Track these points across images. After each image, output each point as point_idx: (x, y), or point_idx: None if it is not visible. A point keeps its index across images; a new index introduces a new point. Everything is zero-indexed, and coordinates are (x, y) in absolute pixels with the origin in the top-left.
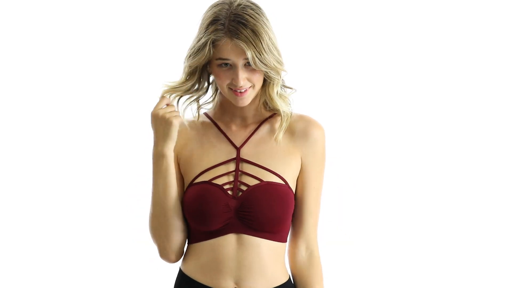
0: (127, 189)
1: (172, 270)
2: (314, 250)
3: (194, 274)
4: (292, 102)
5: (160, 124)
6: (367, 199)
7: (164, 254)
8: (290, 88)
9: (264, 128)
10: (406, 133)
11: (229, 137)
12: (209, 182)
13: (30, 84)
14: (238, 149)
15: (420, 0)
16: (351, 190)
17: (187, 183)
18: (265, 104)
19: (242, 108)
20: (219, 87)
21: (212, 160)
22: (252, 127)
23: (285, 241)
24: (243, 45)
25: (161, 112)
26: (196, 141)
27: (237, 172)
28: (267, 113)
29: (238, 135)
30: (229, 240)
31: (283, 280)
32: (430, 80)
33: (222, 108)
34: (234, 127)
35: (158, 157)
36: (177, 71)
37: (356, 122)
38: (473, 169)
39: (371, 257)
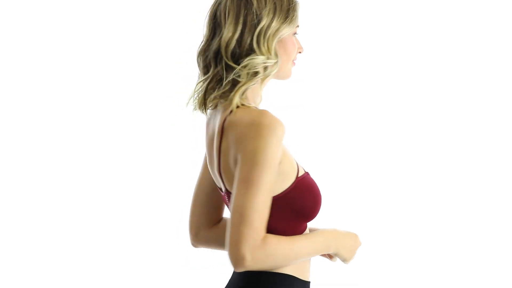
0: (127, 189)
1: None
2: None
3: (290, 270)
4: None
5: (350, 247)
6: (368, 199)
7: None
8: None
9: None
10: (407, 133)
11: None
12: (308, 173)
13: (32, 85)
14: None
15: (421, 0)
16: (352, 190)
17: (291, 178)
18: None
19: None
20: (284, 61)
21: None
22: None
23: None
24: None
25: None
26: None
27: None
28: None
29: None
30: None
31: None
32: (430, 80)
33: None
34: None
35: (325, 248)
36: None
37: (358, 123)
38: (473, 170)
39: (371, 257)
